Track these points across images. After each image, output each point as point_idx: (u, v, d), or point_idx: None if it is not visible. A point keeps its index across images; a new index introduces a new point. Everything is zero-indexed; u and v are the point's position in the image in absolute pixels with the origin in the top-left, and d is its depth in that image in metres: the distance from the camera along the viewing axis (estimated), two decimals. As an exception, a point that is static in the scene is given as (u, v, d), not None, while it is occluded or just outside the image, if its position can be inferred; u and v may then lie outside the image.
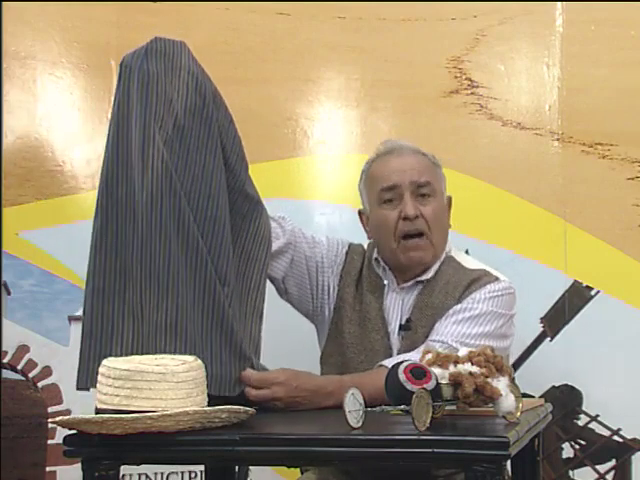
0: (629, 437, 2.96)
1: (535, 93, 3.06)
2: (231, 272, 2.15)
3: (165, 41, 2.20)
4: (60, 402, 2.90)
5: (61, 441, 1.81)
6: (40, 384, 2.91)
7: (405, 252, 2.38)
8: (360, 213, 2.51)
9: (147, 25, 2.97)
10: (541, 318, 2.99)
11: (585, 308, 2.98)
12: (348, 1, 3.09)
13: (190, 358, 1.84)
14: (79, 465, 1.80)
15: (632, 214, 2.98)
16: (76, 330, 2.87)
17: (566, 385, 2.97)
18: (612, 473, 2.96)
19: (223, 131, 2.23)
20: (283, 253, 2.43)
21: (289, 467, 2.36)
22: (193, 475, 2.97)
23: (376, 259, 2.46)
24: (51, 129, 2.99)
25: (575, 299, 2.98)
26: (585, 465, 2.97)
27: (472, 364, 1.77)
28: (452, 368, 1.76)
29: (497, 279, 2.37)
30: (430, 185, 2.41)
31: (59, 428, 1.81)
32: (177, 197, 2.10)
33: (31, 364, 2.90)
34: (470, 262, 2.45)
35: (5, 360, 2.88)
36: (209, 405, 1.83)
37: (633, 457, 2.96)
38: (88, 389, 2.07)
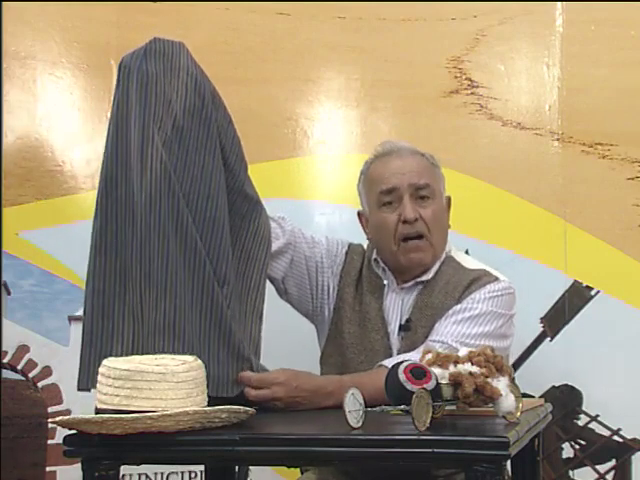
0: (629, 437, 2.96)
1: (535, 93, 3.06)
2: (230, 272, 2.15)
3: (164, 42, 2.20)
4: (60, 402, 2.90)
5: (61, 441, 1.81)
6: (40, 384, 2.91)
7: (405, 254, 2.38)
8: (359, 214, 2.51)
9: (147, 25, 2.96)
10: (541, 318, 2.99)
11: (585, 308, 2.98)
12: (348, 1, 3.09)
13: (190, 358, 1.84)
14: (79, 465, 1.80)
15: (632, 214, 2.98)
16: (76, 330, 2.87)
17: (566, 385, 2.97)
18: (612, 473, 2.96)
19: (222, 132, 2.23)
20: (283, 253, 2.43)
21: (289, 467, 2.36)
22: (193, 475, 2.97)
23: (375, 259, 2.46)
24: (51, 129, 2.99)
25: (575, 299, 2.98)
26: (585, 465, 2.97)
27: (472, 364, 1.77)
28: (452, 368, 1.76)
29: (497, 279, 2.37)
30: (429, 187, 2.40)
31: (59, 428, 1.81)
32: (175, 198, 2.10)
33: (31, 364, 2.90)
34: (470, 262, 2.45)
35: (5, 360, 2.88)
36: (209, 405, 1.83)
37: (633, 457, 2.96)
38: (89, 390, 2.07)
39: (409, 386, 1.71)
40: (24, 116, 2.97)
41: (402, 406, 1.72)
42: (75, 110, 3.01)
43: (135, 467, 2.29)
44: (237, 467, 2.55)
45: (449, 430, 1.76)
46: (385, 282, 2.44)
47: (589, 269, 2.99)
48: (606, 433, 2.96)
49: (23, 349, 2.90)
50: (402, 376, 1.72)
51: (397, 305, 2.42)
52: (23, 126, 2.96)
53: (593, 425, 2.96)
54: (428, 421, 1.68)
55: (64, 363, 2.88)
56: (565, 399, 2.96)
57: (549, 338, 2.99)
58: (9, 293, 2.90)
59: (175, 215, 2.09)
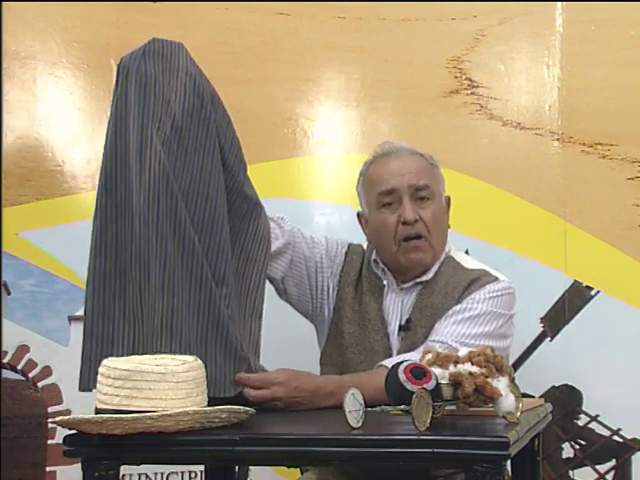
0: (629, 437, 2.96)
1: (535, 93, 3.06)
2: (229, 272, 2.15)
3: (163, 42, 2.20)
4: (60, 402, 2.90)
5: (61, 441, 1.81)
6: (40, 384, 2.91)
7: (405, 254, 2.38)
8: (359, 215, 2.51)
9: (147, 25, 2.96)
10: (541, 318, 2.99)
11: (585, 308, 2.98)
12: (348, 1, 3.09)
13: (190, 358, 1.84)
14: (79, 465, 1.80)
15: (632, 214, 2.98)
16: (76, 330, 2.87)
17: (566, 385, 2.97)
18: (612, 473, 2.96)
19: (221, 132, 2.23)
20: (282, 254, 2.43)
21: (289, 467, 2.36)
22: (193, 475, 2.97)
23: (375, 260, 2.46)
24: (51, 129, 2.99)
25: (575, 299, 2.98)
26: (585, 465, 2.97)
27: (472, 364, 1.77)
28: (452, 368, 1.76)
29: (497, 279, 2.37)
30: (429, 188, 2.40)
31: (59, 428, 1.81)
32: (174, 198, 2.10)
33: (31, 364, 2.90)
34: (470, 262, 2.45)
35: (5, 360, 2.88)
36: (209, 405, 1.83)
37: (633, 457, 2.96)
38: (91, 390, 2.07)
39: (409, 386, 1.71)
40: (24, 116, 2.97)
41: (402, 406, 1.72)
42: (75, 110, 3.01)
43: (135, 467, 2.29)
44: (237, 467, 2.55)
45: (449, 430, 1.76)
46: (385, 282, 2.44)
47: (589, 269, 2.99)
48: (606, 433, 2.96)
49: (23, 349, 2.90)
50: (402, 376, 1.72)
51: (397, 305, 2.42)
52: (23, 126, 2.96)
53: (593, 425, 2.97)
54: (428, 421, 1.68)
55: (64, 363, 2.88)
56: (565, 399, 2.96)
57: (549, 338, 2.99)
58: (9, 293, 2.90)
59: (173, 215, 2.09)
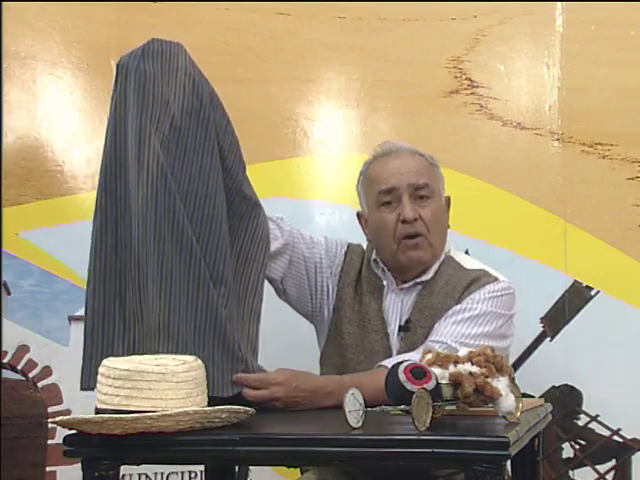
0: (629, 437, 2.96)
1: (535, 93, 3.06)
2: (228, 272, 2.15)
3: (162, 42, 2.20)
4: (60, 402, 2.90)
5: (61, 441, 1.81)
6: (40, 384, 2.91)
7: (404, 252, 2.38)
8: (358, 215, 2.51)
9: (147, 25, 2.96)
10: (541, 318, 2.99)
11: (585, 308, 2.98)
12: (348, 1, 3.09)
13: (190, 358, 1.84)
14: (79, 465, 1.80)
15: (632, 214, 2.98)
16: (76, 330, 2.87)
17: (566, 385, 2.97)
18: (612, 473, 2.96)
19: (220, 132, 2.23)
20: (281, 254, 2.43)
21: (289, 467, 2.36)
22: (193, 475, 2.97)
23: (375, 260, 2.46)
24: (51, 129, 2.99)
25: (575, 299, 2.98)
26: (585, 465, 2.97)
27: (472, 364, 1.77)
28: (452, 368, 1.76)
29: (496, 279, 2.37)
30: (428, 187, 2.40)
31: (59, 428, 1.81)
32: (172, 198, 2.10)
33: (31, 364, 2.90)
34: (469, 262, 2.45)
35: (5, 360, 2.88)
36: (209, 405, 1.83)
37: (633, 457, 2.96)
38: (92, 389, 2.08)
39: (409, 386, 1.71)
40: (24, 116, 2.97)
41: (402, 406, 1.72)
42: (75, 110, 3.01)
43: (135, 467, 2.30)
44: (237, 467, 2.55)
45: (449, 430, 1.76)
46: (384, 283, 2.44)
47: (589, 269, 2.99)
48: (606, 433, 2.96)
49: (23, 349, 2.90)
50: (402, 376, 1.72)
51: (397, 306, 2.42)
52: (23, 126, 2.96)
53: (593, 425, 2.96)
54: (428, 421, 1.68)
55: (64, 363, 2.88)
56: (565, 399, 2.96)
57: (549, 338, 2.99)
58: (9, 293, 2.90)
59: (171, 215, 2.09)
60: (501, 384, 1.76)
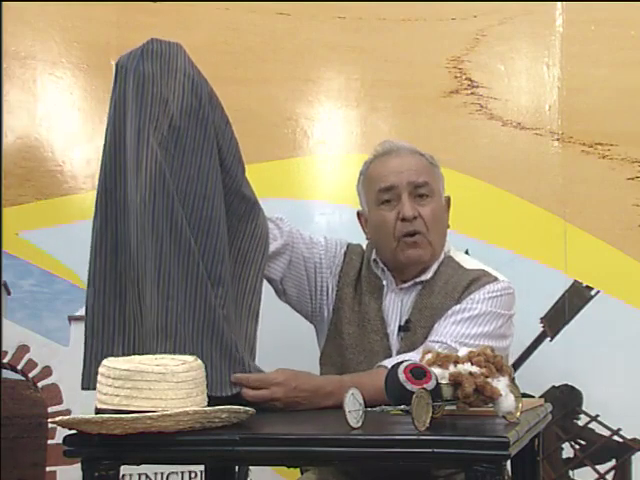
0: (629, 437, 2.96)
1: (535, 93, 3.06)
2: (226, 272, 2.15)
3: (161, 42, 2.20)
4: (60, 402, 2.91)
5: (61, 441, 1.81)
6: (40, 384, 2.91)
7: (404, 250, 2.38)
8: (358, 214, 2.51)
9: (147, 25, 2.96)
10: (541, 318, 2.99)
11: (585, 308, 2.98)
12: (348, 1, 3.09)
13: (190, 358, 1.84)
14: (79, 465, 1.80)
15: (632, 214, 2.98)
16: (76, 330, 2.87)
17: (566, 385, 2.97)
18: (612, 473, 2.96)
19: (219, 132, 2.23)
20: (281, 254, 2.43)
21: (289, 467, 2.37)
22: (193, 475, 2.97)
23: (375, 260, 2.46)
24: (51, 129, 2.99)
25: (575, 299, 2.98)
26: (585, 465, 2.97)
27: (472, 364, 1.77)
28: (452, 368, 1.76)
29: (496, 279, 2.37)
30: (428, 185, 2.41)
31: (59, 428, 1.81)
32: (170, 198, 2.10)
33: (31, 364, 2.90)
34: (469, 262, 2.45)
35: (5, 360, 2.88)
36: (209, 405, 1.83)
37: (633, 457, 2.96)
38: (94, 388, 2.08)
39: (409, 386, 1.71)
40: (24, 116, 2.97)
41: (402, 406, 1.72)
42: (75, 110, 3.01)
43: (135, 467, 2.29)
44: (237, 467, 2.55)
45: (449, 430, 1.76)
46: (384, 282, 2.44)
47: (589, 269, 2.99)
48: (606, 433, 2.96)
49: (23, 349, 2.90)
50: (402, 376, 1.72)
51: (396, 306, 2.42)
52: (23, 126, 2.96)
53: (593, 425, 2.96)
54: (428, 421, 1.68)
55: (64, 363, 2.88)
56: (565, 399, 2.96)
57: (549, 338, 2.99)
58: (9, 293, 2.90)
59: (169, 215, 2.09)
60: (501, 384, 1.76)
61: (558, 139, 3.02)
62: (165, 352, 2.01)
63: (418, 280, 2.41)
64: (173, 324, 2.07)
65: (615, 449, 2.96)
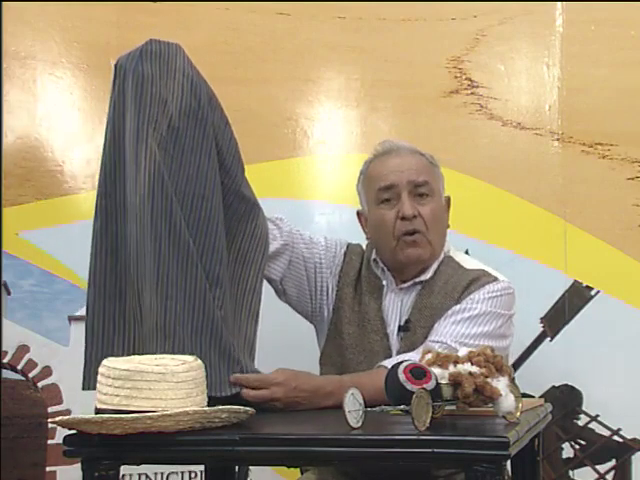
0: (629, 437, 2.96)
1: (535, 93, 3.06)
2: (224, 273, 2.15)
3: (160, 43, 2.20)
4: (60, 402, 2.91)
5: (61, 441, 1.81)
6: (40, 384, 2.91)
7: (403, 249, 2.38)
8: (358, 214, 2.51)
9: (147, 25, 2.97)
10: (541, 318, 2.99)
11: (585, 308, 2.98)
12: (348, 1, 3.09)
13: (190, 358, 1.84)
14: (79, 465, 1.80)
15: (632, 214, 2.98)
16: (76, 330, 2.87)
17: (566, 385, 2.97)
18: (612, 473, 2.96)
19: (219, 133, 2.23)
20: (281, 254, 2.43)
21: (289, 467, 2.37)
22: (193, 475, 2.97)
23: (375, 260, 2.46)
24: (51, 129, 2.99)
25: (575, 299, 2.98)
26: (585, 465, 2.97)
27: (472, 364, 1.77)
28: (452, 368, 1.76)
29: (496, 279, 2.37)
30: (428, 185, 2.41)
31: (59, 428, 1.81)
32: (169, 199, 2.10)
33: (31, 364, 2.90)
34: (469, 262, 2.45)
35: (5, 360, 2.88)
36: (209, 405, 1.83)
37: (633, 457, 2.96)
38: (95, 389, 2.08)
39: (409, 386, 1.71)
40: (24, 116, 2.97)
41: (402, 406, 1.72)
42: (75, 110, 3.01)
43: (135, 467, 2.29)
44: (237, 467, 2.55)
45: (449, 430, 1.76)
46: (384, 282, 2.44)
47: (589, 269, 2.99)
48: (606, 433, 2.96)
49: (23, 349, 2.90)
50: (402, 376, 1.72)
51: (396, 306, 2.42)
52: (23, 126, 2.96)
53: (593, 425, 2.96)
54: (428, 421, 1.68)
55: (64, 363, 2.88)
56: (565, 399, 2.96)
57: (549, 338, 2.99)
58: (9, 293, 2.90)
59: (168, 216, 2.09)
60: (501, 384, 1.76)
61: (558, 139, 3.02)
62: (164, 352, 2.01)
63: (418, 280, 2.41)
64: (172, 324, 2.07)
65: (615, 449, 2.96)
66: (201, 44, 2.92)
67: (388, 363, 2.14)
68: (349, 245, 2.53)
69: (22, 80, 2.96)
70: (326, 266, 2.49)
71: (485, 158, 3.05)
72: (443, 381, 1.75)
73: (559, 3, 3.03)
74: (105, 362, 1.82)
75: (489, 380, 1.75)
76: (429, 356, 1.81)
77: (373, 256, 2.47)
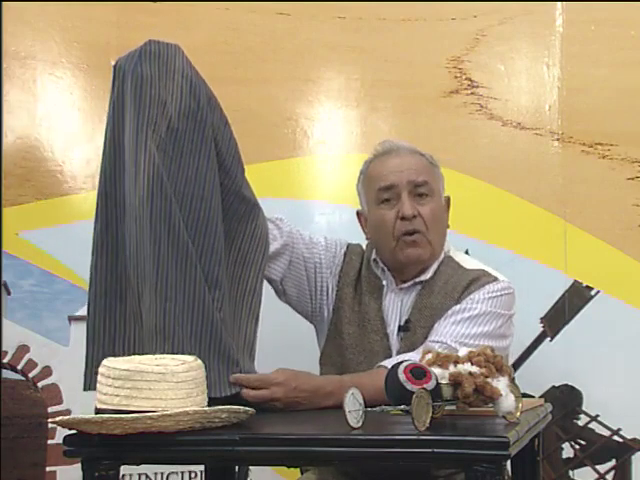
0: (629, 437, 2.96)
1: (535, 93, 3.06)
2: (222, 275, 2.14)
3: (159, 44, 2.20)
4: (60, 402, 2.91)
5: (61, 441, 1.81)
6: (40, 384, 2.91)
7: (403, 249, 2.38)
8: (358, 214, 2.51)
9: (147, 25, 2.97)
10: (541, 318, 2.99)
11: (585, 308, 2.98)
12: (348, 1, 3.09)
13: (190, 358, 1.84)
14: (79, 465, 1.80)
15: (632, 214, 2.98)
16: (76, 330, 2.87)
17: (566, 385, 2.97)
18: (612, 473, 2.96)
19: (218, 134, 2.23)
20: (281, 255, 2.43)
21: (289, 467, 2.37)
22: (193, 475, 2.97)
23: (375, 260, 2.46)
24: (51, 129, 2.99)
25: (575, 299, 2.98)
26: (585, 465, 2.97)
27: (472, 364, 1.77)
28: (452, 368, 1.76)
29: (496, 279, 2.37)
30: (428, 185, 2.41)
31: (59, 428, 1.81)
32: (168, 201, 2.09)
33: (31, 364, 2.90)
34: (469, 262, 2.45)
35: (5, 360, 2.88)
36: (209, 405, 1.83)
37: (633, 457, 2.96)
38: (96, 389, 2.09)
39: (409, 386, 1.71)
40: (24, 116, 2.97)
41: (402, 406, 1.72)
42: (75, 110, 3.01)
43: (135, 467, 2.30)
44: (237, 467, 2.55)
45: (449, 430, 1.76)
46: (384, 282, 2.44)
47: (589, 269, 2.99)
48: (606, 433, 2.96)
49: (23, 349, 2.90)
50: (402, 376, 1.72)
51: (396, 306, 2.42)
52: (23, 126, 2.96)
53: (593, 425, 2.96)
54: (428, 421, 1.68)
55: (64, 363, 2.88)
56: (565, 399, 2.96)
57: (549, 338, 2.99)
58: (9, 293, 2.90)
59: (167, 218, 2.09)
60: (501, 384, 1.76)
61: (558, 139, 3.02)
62: (163, 353, 2.01)
63: (418, 280, 2.41)
64: (171, 326, 2.07)
65: (615, 449, 2.96)
66: (201, 44, 2.92)
67: (388, 363, 2.14)
68: (349, 245, 2.53)
69: (22, 80, 2.96)
70: (326, 266, 2.49)
71: (485, 158, 3.05)
72: (443, 381, 1.75)
73: (559, 3, 3.03)
74: (105, 362, 1.82)
75: (489, 380, 1.75)
76: (429, 356, 1.81)
77: (373, 256, 2.47)
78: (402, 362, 1.76)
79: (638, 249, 2.98)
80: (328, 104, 3.12)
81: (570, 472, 2.98)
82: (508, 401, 1.77)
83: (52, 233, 2.95)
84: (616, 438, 2.96)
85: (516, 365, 2.91)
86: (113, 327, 2.14)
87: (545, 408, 2.21)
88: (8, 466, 2.85)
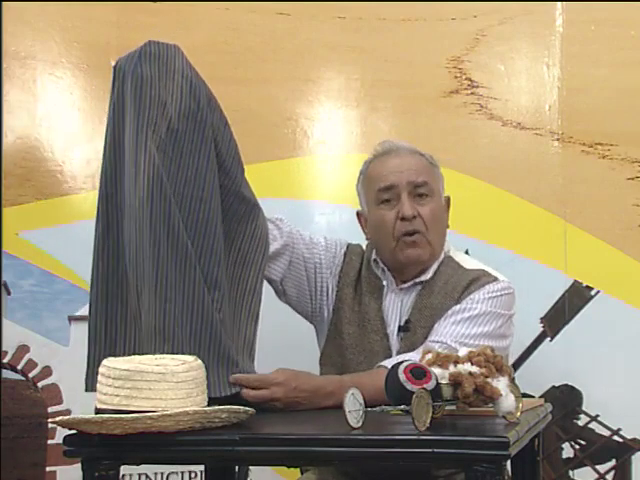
0: (629, 437, 2.96)
1: (535, 93, 3.06)
2: (222, 275, 2.14)
3: (159, 44, 2.20)
4: (60, 402, 2.91)
5: (61, 441, 1.81)
6: (40, 384, 2.91)
7: (403, 250, 2.38)
8: (358, 214, 2.51)
9: (147, 25, 2.97)
10: (541, 318, 2.99)
11: (585, 308, 2.98)
12: (348, 1, 3.09)
13: (190, 358, 1.84)
14: (79, 465, 1.80)
15: (632, 214, 2.98)
16: (76, 330, 2.87)
17: (566, 385, 2.97)
18: (612, 473, 2.96)
19: (218, 134, 2.23)
20: (281, 255, 2.43)
21: (289, 467, 2.37)
22: (193, 475, 2.97)
23: (375, 260, 2.46)
24: (51, 129, 2.99)
25: (575, 299, 2.98)
26: (585, 465, 2.97)
27: (472, 364, 1.77)
28: (452, 368, 1.76)
29: (496, 279, 2.37)
30: (427, 185, 2.41)
31: (59, 428, 1.81)
32: (167, 202, 2.09)
33: (31, 364, 2.90)
34: (469, 262, 2.45)
35: (5, 360, 2.88)
36: (209, 405, 1.83)
37: (633, 457, 2.96)
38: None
39: (409, 386, 1.71)
40: (24, 116, 2.97)
41: (402, 406, 1.72)
42: (75, 110, 3.01)
43: (135, 467, 2.30)
44: (237, 467, 2.55)
45: (449, 430, 1.76)
46: (384, 283, 2.44)
47: (589, 269, 2.99)
48: (606, 433, 2.96)
49: (23, 349, 2.90)
50: (402, 376, 1.72)
51: (396, 306, 2.42)
52: (23, 126, 2.96)
53: (593, 425, 2.96)
54: (428, 421, 1.68)
55: (64, 363, 2.88)
56: (565, 399, 2.96)
57: (549, 338, 2.99)
58: (9, 293, 2.90)
59: (167, 219, 2.09)
60: (501, 384, 1.76)
61: (558, 139, 3.02)
62: (163, 354, 2.01)
63: (418, 280, 2.41)
64: (171, 327, 2.07)
65: (615, 449, 2.96)
66: (201, 44, 2.92)
67: (388, 363, 2.14)
68: (349, 245, 2.53)
69: (22, 80, 2.96)
70: (326, 266, 2.49)
71: (485, 158, 3.05)
72: (443, 381, 1.75)
73: (559, 3, 3.03)
74: (105, 362, 1.82)
75: (489, 380, 1.75)
76: (429, 356, 1.81)
77: (373, 256, 2.47)
78: (402, 362, 1.76)
79: (638, 249, 2.98)
80: (328, 104, 3.12)
81: (570, 472, 2.98)
82: (508, 401, 1.77)
83: (52, 233, 2.95)
84: (616, 438, 2.96)
85: (516, 365, 2.91)
86: (114, 329, 2.15)
87: (545, 408, 2.21)
88: (8, 466, 2.85)
